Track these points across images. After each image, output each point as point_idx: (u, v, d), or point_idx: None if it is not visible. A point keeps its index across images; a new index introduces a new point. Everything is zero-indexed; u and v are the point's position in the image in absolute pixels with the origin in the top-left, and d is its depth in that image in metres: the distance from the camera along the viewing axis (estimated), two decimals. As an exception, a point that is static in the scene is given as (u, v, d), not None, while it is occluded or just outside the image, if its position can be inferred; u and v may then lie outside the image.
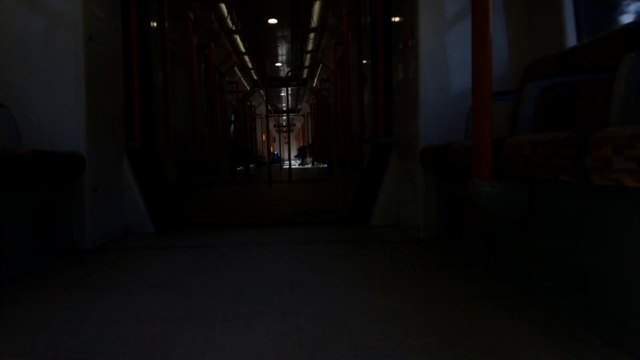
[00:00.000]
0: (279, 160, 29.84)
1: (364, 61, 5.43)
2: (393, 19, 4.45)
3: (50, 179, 3.18)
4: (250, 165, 15.58)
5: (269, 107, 26.01)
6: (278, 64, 16.33)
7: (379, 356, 1.65)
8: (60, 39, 3.54)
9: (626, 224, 1.68)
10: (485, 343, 1.73)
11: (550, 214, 2.13)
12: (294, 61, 15.37)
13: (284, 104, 28.33)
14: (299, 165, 29.39)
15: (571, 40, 3.32)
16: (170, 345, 1.78)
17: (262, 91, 17.37)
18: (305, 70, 15.28)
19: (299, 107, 26.81)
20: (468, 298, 2.26)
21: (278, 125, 33.47)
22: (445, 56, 3.66)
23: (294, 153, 30.61)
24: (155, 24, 4.92)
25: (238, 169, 14.36)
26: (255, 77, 16.08)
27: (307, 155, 24.39)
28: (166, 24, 5.30)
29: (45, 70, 3.55)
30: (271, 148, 35.63)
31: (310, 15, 9.32)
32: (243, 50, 11.66)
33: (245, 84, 16.92)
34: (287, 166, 14.08)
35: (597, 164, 1.59)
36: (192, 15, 7.49)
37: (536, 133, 2.23)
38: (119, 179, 4.25)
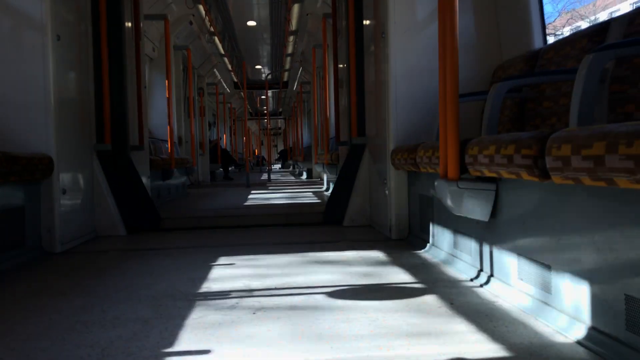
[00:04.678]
0: (263, 162, 29.56)
1: (340, 65, 5.45)
2: (365, 22, 4.48)
3: (17, 181, 3.13)
4: (230, 168, 15.50)
5: (250, 110, 25.97)
6: (258, 67, 16.25)
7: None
8: (27, 40, 3.49)
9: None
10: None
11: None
12: (274, 64, 15.33)
13: (265, 107, 28.28)
14: (280, 168, 29.34)
15: (538, 41, 3.37)
16: (136, 348, 1.76)
17: (242, 93, 17.34)
18: (286, 73, 15.25)
19: (280, 109, 26.76)
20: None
21: (264, 128, 33.37)
22: (416, 58, 3.69)
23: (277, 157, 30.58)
24: (129, 24, 4.87)
25: (217, 171, 14.27)
26: (235, 80, 16.01)
27: (288, 158, 24.39)
28: (141, 25, 5.25)
29: (12, 70, 3.49)
30: (256, 151, 35.55)
31: (289, 18, 9.31)
32: (222, 52, 11.59)
33: (225, 86, 16.83)
34: (267, 169, 14.08)
35: (557, 163, 1.62)
36: (169, 16, 7.44)
37: (502, 133, 2.26)
38: (90, 181, 4.20)
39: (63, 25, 3.73)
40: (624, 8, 28.27)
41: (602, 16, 30.09)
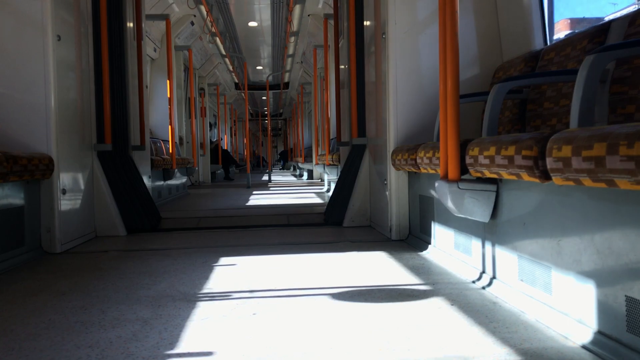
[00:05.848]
0: (263, 163, 29.52)
1: (342, 66, 5.45)
2: (365, 22, 4.48)
3: (18, 180, 3.13)
4: (231, 168, 15.51)
5: (251, 110, 25.98)
6: (259, 67, 16.26)
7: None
8: (28, 40, 3.49)
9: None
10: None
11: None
12: (275, 65, 15.33)
13: (265, 108, 28.29)
14: (280, 169, 29.34)
15: (538, 42, 3.37)
16: (135, 348, 1.75)
17: (243, 94, 17.34)
18: (287, 74, 15.26)
19: (281, 110, 26.77)
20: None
21: (264, 129, 33.40)
22: (416, 59, 3.69)
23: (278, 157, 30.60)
24: (130, 25, 4.87)
25: (217, 171, 14.29)
26: (236, 80, 16.02)
27: (289, 159, 24.41)
28: (143, 25, 5.25)
29: (13, 70, 3.49)
30: (256, 151, 35.53)
31: (290, 19, 9.32)
32: (223, 52, 11.60)
33: (226, 87, 16.84)
34: (268, 170, 14.11)
35: (557, 164, 1.61)
36: (170, 16, 7.45)
37: (502, 134, 2.26)
38: (90, 181, 4.20)
39: (63, 25, 3.73)
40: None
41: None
